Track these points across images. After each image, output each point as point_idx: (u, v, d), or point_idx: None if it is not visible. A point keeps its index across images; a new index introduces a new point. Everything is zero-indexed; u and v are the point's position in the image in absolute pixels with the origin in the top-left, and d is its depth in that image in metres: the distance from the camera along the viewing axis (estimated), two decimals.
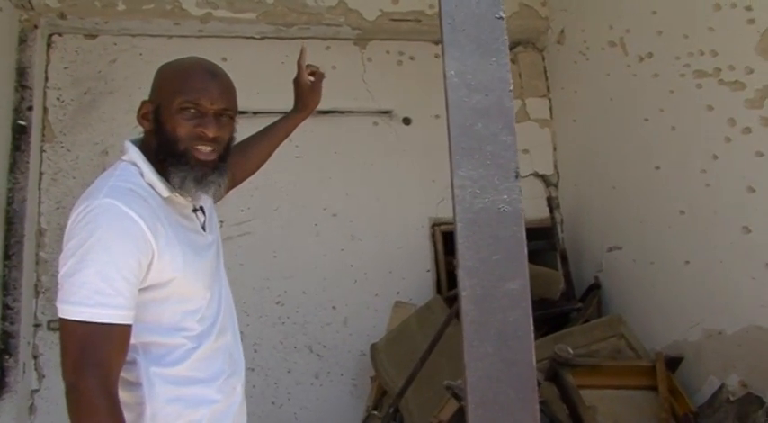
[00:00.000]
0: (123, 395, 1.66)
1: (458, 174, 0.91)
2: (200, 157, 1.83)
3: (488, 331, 0.86)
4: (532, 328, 0.87)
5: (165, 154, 1.83)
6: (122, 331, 1.64)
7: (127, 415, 1.63)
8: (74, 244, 1.64)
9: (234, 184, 2.33)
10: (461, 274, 0.87)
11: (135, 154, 1.85)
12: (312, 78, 2.56)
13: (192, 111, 1.82)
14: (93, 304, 1.59)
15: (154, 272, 1.71)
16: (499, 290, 0.87)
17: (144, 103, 1.91)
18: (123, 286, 1.63)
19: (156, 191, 1.81)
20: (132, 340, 1.69)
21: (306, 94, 2.56)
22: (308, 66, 2.54)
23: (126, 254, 1.64)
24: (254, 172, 2.57)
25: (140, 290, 1.70)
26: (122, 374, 1.69)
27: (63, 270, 1.65)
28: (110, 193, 1.70)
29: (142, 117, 1.90)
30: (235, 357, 2.01)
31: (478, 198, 0.90)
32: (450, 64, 0.93)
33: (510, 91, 0.92)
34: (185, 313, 1.81)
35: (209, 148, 1.84)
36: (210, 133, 1.83)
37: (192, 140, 1.82)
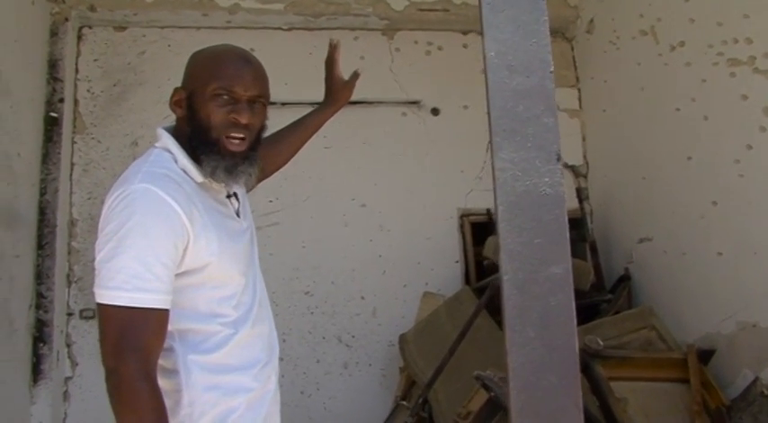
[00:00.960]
0: (161, 382, 1.65)
1: (499, 156, 0.90)
2: (231, 148, 1.82)
3: (530, 316, 0.85)
4: (575, 313, 0.87)
5: (198, 141, 1.82)
6: (160, 316, 1.64)
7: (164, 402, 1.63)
8: (110, 229, 1.64)
9: (264, 176, 2.30)
10: (503, 257, 0.86)
11: (168, 140, 1.84)
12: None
13: (226, 97, 1.81)
14: (130, 289, 1.58)
15: (189, 256, 1.70)
16: (541, 274, 0.86)
17: (176, 89, 1.90)
18: (161, 271, 1.63)
19: (189, 176, 1.80)
20: (169, 327, 1.69)
21: (338, 88, 2.53)
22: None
23: (163, 238, 1.64)
24: (283, 164, 2.55)
25: (176, 275, 1.70)
26: (160, 361, 1.69)
27: (100, 256, 1.64)
28: (145, 178, 1.69)
29: (175, 104, 1.89)
30: (272, 346, 2.01)
31: (520, 181, 0.89)
32: (491, 45, 0.91)
33: (551, 72, 0.91)
34: (221, 299, 1.80)
35: (240, 136, 1.83)
36: (243, 120, 1.81)
37: (224, 128, 1.81)
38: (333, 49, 2.48)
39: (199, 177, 1.81)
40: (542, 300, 0.86)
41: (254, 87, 1.86)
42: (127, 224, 1.62)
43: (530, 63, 0.92)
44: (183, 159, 1.81)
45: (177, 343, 1.74)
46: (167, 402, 1.65)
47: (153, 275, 1.61)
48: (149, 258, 1.61)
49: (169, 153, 1.83)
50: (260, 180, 2.18)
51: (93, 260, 1.69)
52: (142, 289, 1.59)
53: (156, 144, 1.87)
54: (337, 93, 2.54)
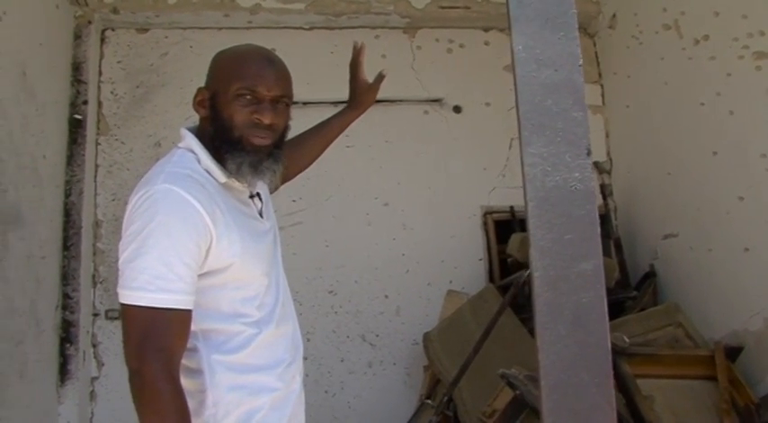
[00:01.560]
0: (185, 382, 1.66)
1: (528, 151, 0.89)
2: (255, 142, 1.82)
3: (562, 313, 0.84)
4: (607, 310, 0.86)
5: (221, 141, 1.82)
6: (183, 316, 1.64)
7: (189, 402, 1.63)
8: (133, 230, 1.64)
9: (287, 178, 2.28)
10: (534, 254, 0.85)
11: (191, 140, 1.85)
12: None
13: (249, 97, 1.81)
14: (154, 289, 1.59)
15: (212, 257, 1.70)
16: (572, 270, 0.85)
17: (200, 89, 1.90)
18: (184, 271, 1.63)
19: (213, 176, 1.80)
20: (192, 327, 1.69)
21: (362, 92, 2.50)
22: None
23: (186, 239, 1.64)
24: (306, 167, 2.55)
25: (199, 276, 1.70)
26: (183, 361, 1.69)
27: (123, 256, 1.65)
28: (168, 178, 1.70)
29: (198, 104, 1.90)
30: (296, 345, 2.00)
31: (550, 176, 0.88)
32: (518, 39, 0.90)
33: (580, 66, 0.90)
34: (244, 300, 1.80)
35: (263, 136, 1.83)
36: (266, 120, 1.81)
37: (247, 127, 1.81)
38: (357, 51, 2.46)
39: (222, 177, 1.81)
40: (573, 296, 0.85)
41: (277, 87, 1.85)
42: (149, 225, 1.62)
43: (558, 56, 0.91)
44: (206, 159, 1.81)
45: (201, 343, 1.75)
46: (191, 403, 1.66)
47: (176, 276, 1.61)
48: (172, 259, 1.61)
49: (192, 153, 1.83)
50: (283, 182, 2.17)
51: (118, 261, 1.69)
52: (165, 289, 1.60)
53: (180, 144, 1.87)
54: (362, 95, 2.51)
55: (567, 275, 0.85)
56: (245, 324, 1.79)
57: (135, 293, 1.60)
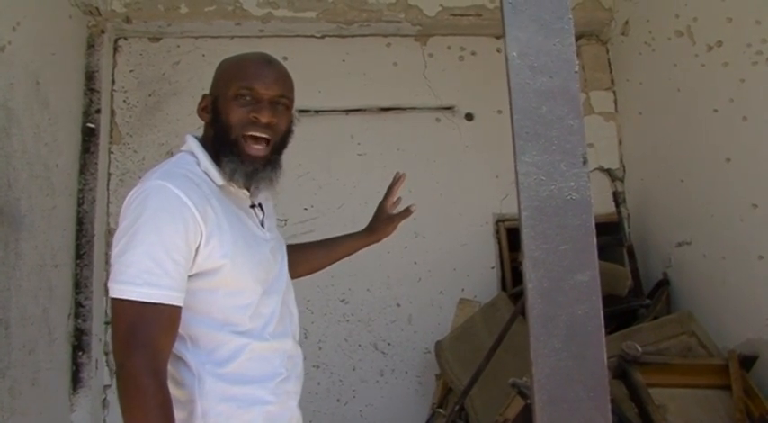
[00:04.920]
0: (174, 392, 1.65)
1: (522, 160, 0.88)
2: (250, 152, 1.83)
3: (556, 326, 0.83)
4: (603, 322, 0.84)
5: (220, 143, 1.84)
6: (171, 312, 1.64)
7: (178, 413, 1.63)
8: (125, 225, 1.66)
9: None
10: (527, 265, 0.84)
11: (193, 144, 1.88)
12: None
13: (248, 97, 1.82)
14: (141, 284, 1.59)
15: (201, 256, 1.70)
16: (567, 282, 0.84)
17: (204, 96, 1.95)
18: (172, 267, 1.63)
19: (211, 179, 1.82)
20: (181, 331, 1.69)
21: (383, 221, 2.50)
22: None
23: (174, 234, 1.64)
24: (299, 276, 2.39)
25: (191, 277, 1.70)
26: (172, 370, 1.69)
27: (114, 251, 1.65)
28: (162, 176, 1.72)
29: (202, 110, 1.94)
30: (295, 362, 1.96)
31: (544, 185, 0.87)
32: (512, 45, 0.90)
33: (576, 72, 0.89)
34: (236, 307, 1.78)
35: (263, 136, 1.84)
36: (264, 118, 1.81)
37: (244, 126, 1.82)
38: (395, 181, 2.49)
39: (219, 180, 1.82)
40: (568, 309, 0.84)
41: (276, 86, 1.86)
42: (139, 220, 1.63)
43: (553, 63, 0.90)
44: (206, 161, 1.83)
45: (189, 350, 1.73)
46: (181, 414, 1.65)
47: (163, 271, 1.61)
48: (160, 254, 1.61)
49: (192, 156, 1.86)
50: None
51: None
52: (153, 284, 1.60)
53: (182, 148, 1.91)
54: (381, 223, 2.51)
55: (561, 287, 0.84)
56: (234, 333, 1.77)
57: (122, 287, 1.60)
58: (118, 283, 1.61)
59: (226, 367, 1.73)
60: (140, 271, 1.59)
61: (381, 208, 2.48)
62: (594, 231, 0.87)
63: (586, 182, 0.87)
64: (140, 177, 4.45)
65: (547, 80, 0.89)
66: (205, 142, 1.90)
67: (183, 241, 1.65)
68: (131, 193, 1.71)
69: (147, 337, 1.58)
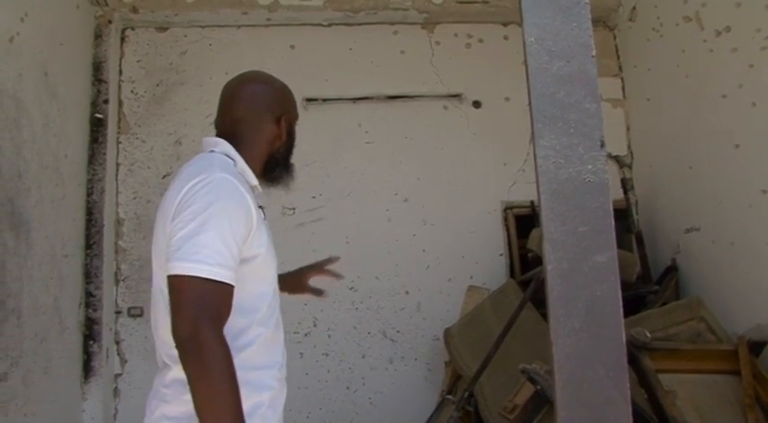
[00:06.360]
0: None
1: (540, 143, 0.88)
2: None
3: (576, 307, 0.83)
4: (621, 302, 0.85)
5: (283, 156, 2.21)
6: (231, 292, 1.76)
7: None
8: (194, 209, 1.76)
9: None
10: (546, 247, 0.85)
11: (227, 147, 2.04)
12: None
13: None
14: (213, 264, 1.70)
15: (248, 243, 1.85)
16: (586, 263, 0.84)
17: (282, 116, 2.19)
18: (236, 252, 1.78)
19: (245, 179, 1.99)
20: None
21: (294, 281, 2.63)
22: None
23: (239, 224, 1.80)
24: None
25: None
26: None
27: (182, 232, 1.74)
28: (223, 170, 1.88)
29: (280, 129, 2.19)
30: (285, 354, 2.08)
31: (563, 168, 0.87)
32: (530, 30, 0.90)
33: (593, 56, 0.89)
34: (260, 294, 1.94)
35: None
36: None
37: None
38: (328, 262, 2.65)
39: (254, 181, 2.05)
40: (587, 289, 0.85)
41: None
42: (211, 207, 1.76)
43: (570, 48, 0.90)
44: (242, 164, 2.02)
45: None
46: None
47: (230, 255, 1.75)
48: (229, 239, 1.76)
49: (228, 158, 2.00)
50: None
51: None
52: (223, 265, 1.72)
53: (215, 149, 2.04)
54: (292, 280, 2.62)
55: (580, 268, 0.85)
56: (254, 321, 1.90)
57: (196, 266, 1.70)
58: (191, 261, 1.71)
59: (243, 352, 1.82)
60: (213, 252, 1.71)
61: (302, 273, 2.63)
62: (612, 213, 0.88)
63: (604, 164, 0.87)
64: (149, 167, 4.49)
65: (564, 64, 0.89)
66: (238, 148, 2.06)
67: (245, 229, 1.83)
68: (192, 181, 1.82)
69: (216, 312, 1.70)
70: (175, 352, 1.69)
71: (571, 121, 0.89)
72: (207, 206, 1.76)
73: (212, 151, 2.03)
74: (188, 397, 1.70)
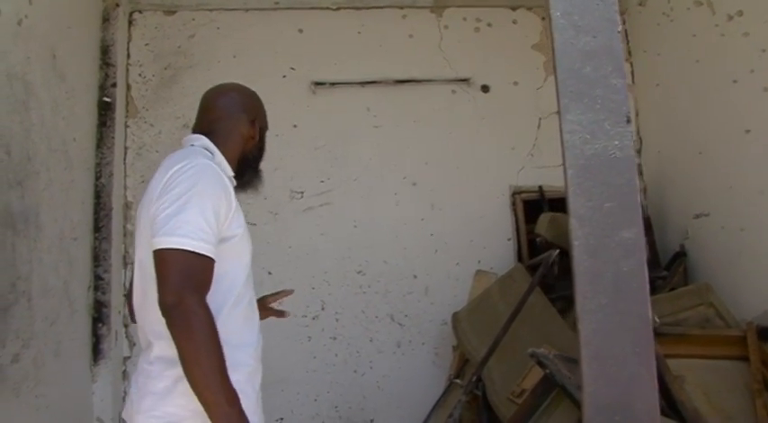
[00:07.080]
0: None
1: (566, 118, 0.88)
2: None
3: (602, 282, 0.83)
4: (647, 278, 0.85)
5: (254, 160, 2.40)
6: (213, 265, 1.92)
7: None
8: (179, 190, 1.93)
9: None
10: (573, 222, 0.85)
11: (207, 142, 2.24)
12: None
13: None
14: (197, 238, 1.86)
15: (227, 223, 2.01)
16: (613, 239, 0.84)
17: (253, 122, 2.38)
18: (216, 229, 1.94)
19: (223, 170, 2.15)
20: None
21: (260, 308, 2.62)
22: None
23: (219, 204, 1.97)
24: None
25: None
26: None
27: (168, 211, 1.90)
28: (204, 157, 2.10)
29: (251, 137, 2.37)
30: (260, 335, 2.20)
31: (589, 144, 0.87)
32: (556, 4, 0.89)
33: (619, 32, 0.89)
34: (235, 273, 2.07)
35: None
36: None
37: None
38: (285, 294, 2.68)
39: (230, 172, 2.23)
40: (614, 265, 0.85)
41: None
42: (194, 188, 1.94)
43: (596, 23, 0.89)
44: (220, 158, 2.22)
45: None
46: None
47: (211, 231, 1.92)
48: (210, 217, 1.92)
49: (207, 152, 2.20)
50: None
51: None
52: (205, 240, 1.88)
53: (195, 144, 2.24)
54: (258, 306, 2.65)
55: (607, 244, 0.84)
56: (232, 300, 2.04)
57: (181, 240, 1.85)
58: (176, 236, 1.86)
59: (221, 331, 1.88)
60: (196, 228, 1.87)
61: (264, 299, 2.67)
62: (638, 189, 0.87)
63: (630, 140, 0.87)
64: (157, 151, 4.48)
65: (590, 40, 0.89)
66: (216, 143, 2.25)
67: (224, 209, 1.99)
68: (176, 166, 2.00)
69: (199, 282, 1.86)
70: (160, 328, 1.84)
71: (597, 97, 0.88)
72: (190, 187, 1.93)
73: (192, 145, 2.23)
74: (169, 373, 1.89)
